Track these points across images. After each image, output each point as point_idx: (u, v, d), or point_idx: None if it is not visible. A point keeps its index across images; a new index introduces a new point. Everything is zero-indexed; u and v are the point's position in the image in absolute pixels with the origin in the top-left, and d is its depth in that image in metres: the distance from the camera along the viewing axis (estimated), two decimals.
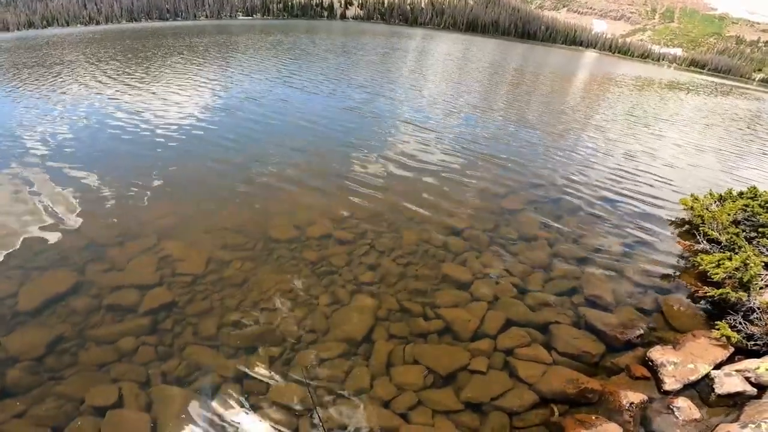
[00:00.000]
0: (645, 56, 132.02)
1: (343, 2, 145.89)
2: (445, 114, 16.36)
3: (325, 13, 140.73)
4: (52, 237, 6.53)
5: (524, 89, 26.27)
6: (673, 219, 8.78)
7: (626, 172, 11.51)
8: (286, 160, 10.15)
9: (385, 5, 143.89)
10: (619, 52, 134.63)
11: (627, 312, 5.74)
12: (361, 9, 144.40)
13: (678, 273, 6.85)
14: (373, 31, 77.77)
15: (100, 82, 18.50)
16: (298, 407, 4.06)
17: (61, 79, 19.06)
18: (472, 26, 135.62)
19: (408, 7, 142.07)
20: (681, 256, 7.33)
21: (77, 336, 4.74)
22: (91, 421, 3.83)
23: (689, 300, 6.13)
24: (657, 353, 4.82)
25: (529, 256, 6.86)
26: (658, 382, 4.54)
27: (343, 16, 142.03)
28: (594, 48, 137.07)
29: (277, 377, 4.37)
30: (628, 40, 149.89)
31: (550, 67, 47.38)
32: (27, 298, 5.21)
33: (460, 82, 25.90)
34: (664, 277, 6.67)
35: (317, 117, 14.13)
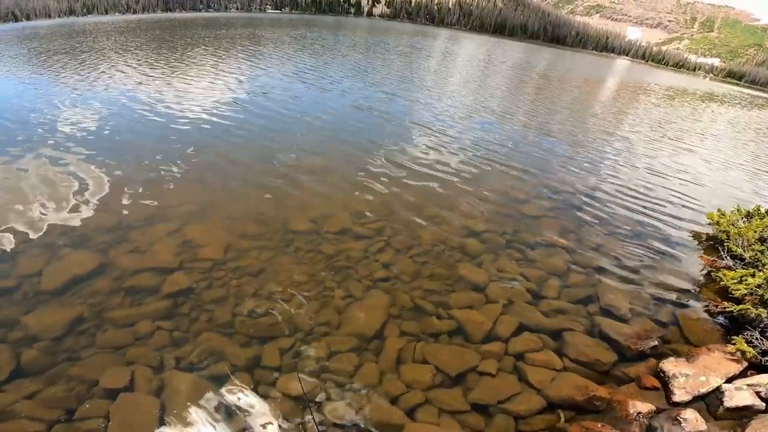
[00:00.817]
0: (680, 65, 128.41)
1: (370, 0, 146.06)
2: (468, 116, 16.26)
3: (352, 10, 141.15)
4: (79, 219, 6.75)
5: (549, 95, 25.87)
6: (697, 233, 8.55)
7: (652, 184, 11.25)
8: (307, 153, 10.26)
9: (412, 4, 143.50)
10: (652, 61, 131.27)
11: (642, 323, 5.64)
12: (388, 7, 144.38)
13: (698, 287, 6.68)
14: (399, 30, 77.71)
15: (129, 70, 19.00)
16: (305, 399, 4.09)
17: (91, 66, 19.64)
18: (500, 28, 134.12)
19: (435, 6, 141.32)
20: (702, 271, 7.15)
21: (96, 317, 4.86)
22: (102, 404, 3.90)
23: (707, 314, 5.99)
24: (670, 365, 4.76)
25: (546, 262, 6.78)
26: (668, 393, 4.50)
27: (370, 14, 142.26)
28: (626, 55, 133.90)
29: (286, 368, 4.41)
30: (663, 48, 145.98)
31: (578, 73, 46.55)
32: (50, 278, 5.37)
33: (484, 85, 25.69)
34: (684, 290, 6.52)
35: (339, 114, 14.23)
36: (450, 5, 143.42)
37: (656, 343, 5.22)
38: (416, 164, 10.32)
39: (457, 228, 7.49)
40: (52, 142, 9.93)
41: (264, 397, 4.10)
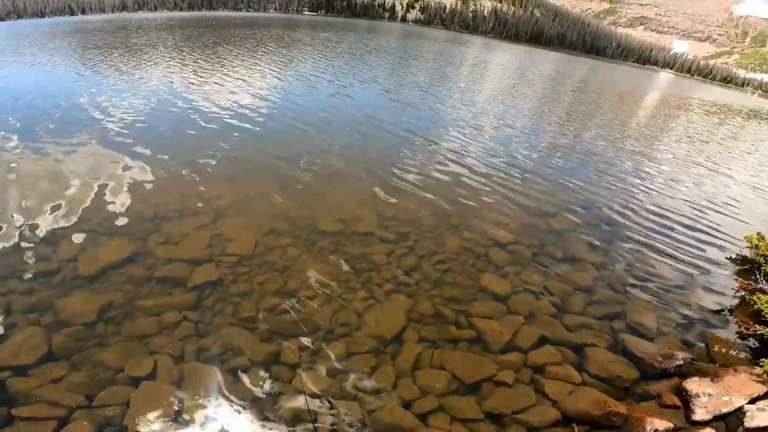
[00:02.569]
0: (727, 80, 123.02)
1: (404, 5, 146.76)
2: (499, 126, 16.09)
3: (386, 15, 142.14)
4: (117, 207, 7.08)
5: (584, 108, 25.27)
6: (734, 256, 8.15)
7: (687, 204, 10.79)
8: (337, 155, 10.41)
9: (447, 10, 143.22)
10: (698, 75, 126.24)
11: (669, 342, 5.46)
12: (422, 13, 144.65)
13: (729, 309, 6.41)
14: (433, 36, 77.68)
15: (171, 66, 19.82)
16: (320, 398, 4.14)
17: (137, 62, 20.56)
18: (536, 38, 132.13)
19: (470, 14, 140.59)
20: (736, 294, 6.83)
21: (126, 305, 5.04)
22: (124, 391, 4.01)
23: (737, 336, 5.76)
24: (693, 384, 4.61)
25: (573, 277, 6.62)
26: (688, 412, 4.37)
27: (404, 19, 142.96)
28: (670, 68, 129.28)
29: (304, 366, 4.47)
30: (710, 62, 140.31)
31: (616, 85, 45.33)
32: (86, 264, 5.61)
33: (517, 95, 25.35)
34: (714, 312, 6.27)
35: (370, 117, 14.35)
36: (485, 13, 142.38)
37: (681, 362, 5.06)
38: (444, 171, 10.28)
39: (483, 238, 7.41)
40: (97, 132, 10.51)
41: (280, 393, 4.16)
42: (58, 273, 5.43)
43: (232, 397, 4.07)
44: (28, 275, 5.35)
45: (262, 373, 4.34)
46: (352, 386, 4.31)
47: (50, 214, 6.70)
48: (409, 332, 5.10)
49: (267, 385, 4.20)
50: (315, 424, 3.91)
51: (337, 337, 4.89)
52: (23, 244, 5.91)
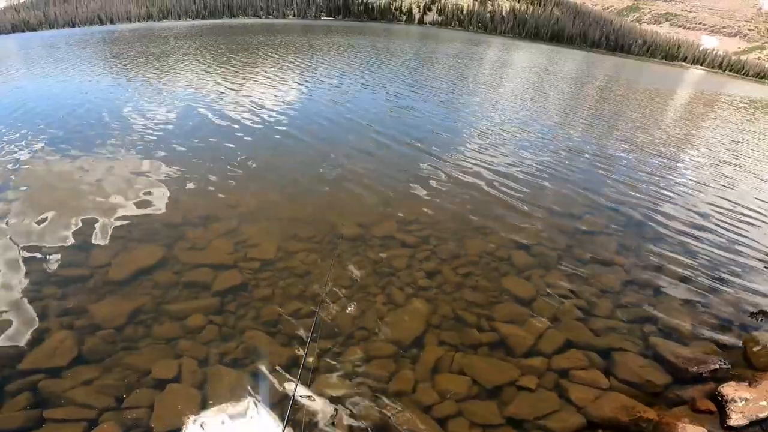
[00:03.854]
0: (762, 76, 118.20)
1: (421, 7, 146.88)
2: (521, 127, 15.87)
3: (404, 18, 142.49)
4: (147, 213, 7.33)
5: (611, 106, 24.69)
6: None
7: (722, 203, 10.37)
8: (357, 159, 10.48)
9: (464, 12, 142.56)
10: (730, 70, 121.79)
11: (704, 346, 5.24)
12: (439, 15, 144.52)
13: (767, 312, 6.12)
14: (451, 38, 77.38)
15: (195, 74, 20.31)
16: (340, 402, 4.15)
17: (163, 70, 21.20)
18: (557, 37, 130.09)
19: (488, 14, 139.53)
20: None
21: (155, 309, 5.18)
22: (150, 393, 4.11)
23: None
24: (729, 389, 4.41)
25: (601, 280, 6.45)
26: (723, 417, 4.18)
27: (421, 21, 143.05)
28: (701, 65, 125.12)
29: (324, 370, 4.50)
30: (742, 57, 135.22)
31: (644, 83, 44.14)
32: (118, 269, 5.81)
33: (540, 94, 24.98)
34: (753, 315, 5.98)
35: (389, 121, 14.39)
36: (503, 13, 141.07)
37: (716, 366, 4.85)
38: (466, 174, 10.21)
39: (505, 240, 7.31)
40: (126, 140, 10.93)
41: (300, 396, 4.18)
42: (90, 278, 5.64)
43: (252, 400, 4.12)
44: (63, 280, 5.57)
45: (282, 376, 4.38)
46: (371, 390, 4.31)
47: (82, 220, 6.97)
48: (429, 336, 5.07)
49: (287, 389, 4.23)
50: (334, 428, 3.92)
51: (357, 341, 4.90)
52: (57, 250, 6.17)
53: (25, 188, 8.15)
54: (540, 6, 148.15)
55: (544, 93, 25.45)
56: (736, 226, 9.03)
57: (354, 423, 3.98)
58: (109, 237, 6.58)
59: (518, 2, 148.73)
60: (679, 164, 13.43)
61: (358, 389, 4.30)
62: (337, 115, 14.53)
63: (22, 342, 4.60)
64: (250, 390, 4.23)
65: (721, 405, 4.30)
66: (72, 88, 18.07)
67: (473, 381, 4.48)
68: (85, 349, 4.56)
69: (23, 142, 10.66)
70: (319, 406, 4.10)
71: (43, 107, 14.37)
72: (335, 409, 4.08)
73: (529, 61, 49.44)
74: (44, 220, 6.96)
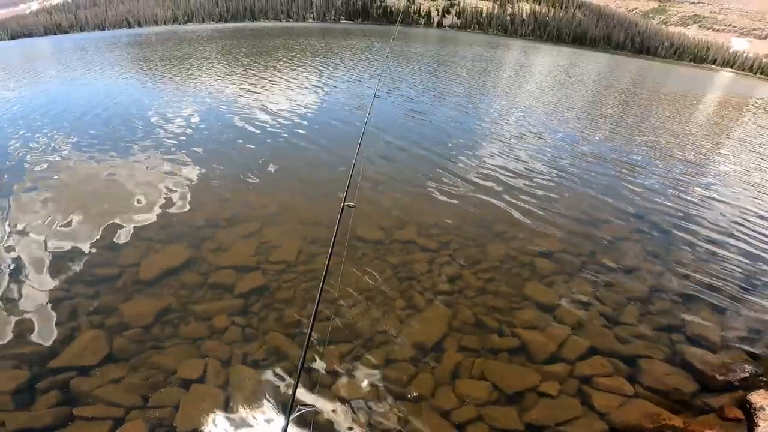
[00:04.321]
0: None
1: (440, 10, 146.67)
2: (541, 131, 15.67)
3: (422, 21, 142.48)
4: (172, 214, 7.54)
5: (637, 110, 24.14)
6: None
7: (754, 210, 10.00)
8: (377, 163, 10.53)
9: (484, 14, 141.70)
10: (762, 73, 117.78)
11: (733, 354, 5.09)
12: (458, 18, 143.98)
13: None
14: (470, 41, 77.04)
15: (218, 77, 20.77)
16: (359, 405, 4.18)
17: (187, 73, 21.80)
18: (580, 39, 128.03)
19: (508, 17, 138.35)
20: None
21: (181, 309, 5.31)
22: (176, 393, 4.20)
23: None
24: (758, 397, 4.28)
25: (627, 287, 6.32)
26: (751, 426, 4.05)
27: (440, 24, 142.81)
28: (731, 67, 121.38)
29: (344, 372, 4.53)
30: None
31: (672, 86, 43.02)
32: (147, 269, 5.99)
33: (563, 98, 24.62)
34: None
35: (410, 124, 14.41)
36: (524, 16, 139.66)
37: (746, 374, 4.70)
38: (486, 179, 10.14)
39: (528, 246, 7.24)
40: (155, 142, 11.33)
41: (320, 398, 4.23)
42: (120, 278, 5.83)
43: (273, 401, 4.18)
44: (93, 280, 5.78)
45: (303, 378, 4.42)
46: (390, 394, 4.31)
47: (110, 220, 7.22)
48: (449, 341, 5.05)
49: (307, 391, 4.27)
50: (352, 430, 3.94)
51: (377, 345, 4.92)
52: (87, 250, 6.40)
53: (53, 189, 8.48)
54: (561, 8, 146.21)
55: (566, 97, 25.08)
56: (765, 234, 8.73)
57: (373, 427, 3.99)
58: (136, 237, 6.79)
59: (539, 5, 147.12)
60: (707, 170, 13.04)
61: (377, 393, 4.31)
62: (357, 119, 14.62)
63: (54, 340, 4.77)
64: (272, 391, 4.29)
65: (749, 413, 4.18)
66: (99, 90, 18.72)
67: (493, 386, 4.45)
68: (114, 348, 4.69)
69: (52, 144, 11.11)
70: (339, 408, 4.13)
71: (71, 109, 14.96)
72: (354, 412, 4.10)
73: (551, 65, 48.82)
74: (73, 220, 7.23)
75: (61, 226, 7.06)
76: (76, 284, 5.67)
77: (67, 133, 12.10)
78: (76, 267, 6.01)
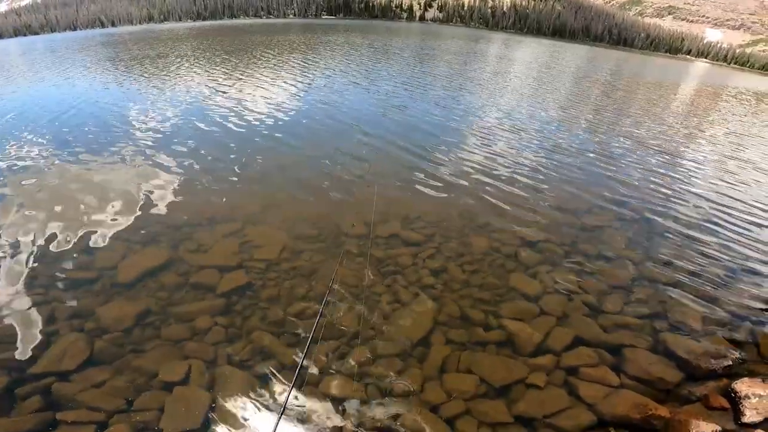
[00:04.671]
0: (767, 68, 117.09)
1: (422, 4, 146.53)
2: (523, 123, 15.78)
3: (404, 15, 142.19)
4: (151, 216, 7.34)
5: (616, 100, 24.53)
6: None
7: (734, 195, 10.29)
8: (359, 159, 10.44)
9: (465, 8, 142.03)
10: (735, 63, 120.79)
11: (716, 342, 5.18)
12: (440, 11, 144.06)
13: None
14: (452, 34, 77.11)
15: (196, 76, 20.35)
16: (347, 401, 4.14)
17: (163, 72, 21.27)
18: (559, 32, 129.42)
19: (489, 10, 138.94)
20: None
21: (162, 311, 5.19)
22: (159, 396, 4.12)
23: None
24: (743, 385, 4.35)
25: (609, 275, 6.40)
26: (737, 414, 4.11)
27: (422, 18, 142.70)
28: (705, 57, 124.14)
29: (331, 370, 4.48)
30: (747, 50, 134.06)
31: (649, 76, 43.81)
32: (125, 271, 5.84)
33: (544, 89, 24.83)
34: (764, 309, 5.90)
35: (391, 120, 14.35)
36: (505, 9, 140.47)
37: (730, 362, 4.80)
38: (470, 171, 10.16)
39: (511, 237, 7.27)
40: (130, 143, 10.98)
41: (308, 396, 4.19)
42: (98, 281, 5.66)
43: (260, 401, 4.12)
44: (70, 283, 5.61)
45: (289, 377, 4.37)
46: (378, 390, 4.29)
47: (86, 223, 7.01)
48: (436, 335, 5.04)
49: (294, 389, 4.22)
50: (342, 428, 3.91)
51: (364, 341, 4.87)
52: (64, 254, 6.20)
53: (27, 193, 8.20)
54: (541, 1, 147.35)
55: (547, 89, 25.30)
56: (744, 220, 8.93)
57: (362, 422, 3.96)
58: (114, 240, 6.60)
59: None
60: (685, 159, 13.30)
61: (365, 388, 4.28)
62: (338, 115, 14.50)
63: (33, 345, 4.63)
64: (258, 390, 4.22)
65: (734, 401, 4.24)
66: (73, 92, 18.12)
67: (481, 379, 4.45)
68: (94, 352, 4.57)
69: (25, 147, 10.72)
70: (327, 405, 4.09)
71: (44, 112, 14.44)
72: (342, 409, 4.07)
73: (531, 57, 49.18)
74: (48, 224, 6.99)
75: (36, 230, 6.82)
76: (53, 289, 5.49)
77: (40, 135, 11.70)
78: (53, 271, 5.82)
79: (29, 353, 4.53)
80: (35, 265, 5.96)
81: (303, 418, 3.97)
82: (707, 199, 9.88)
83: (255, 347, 4.72)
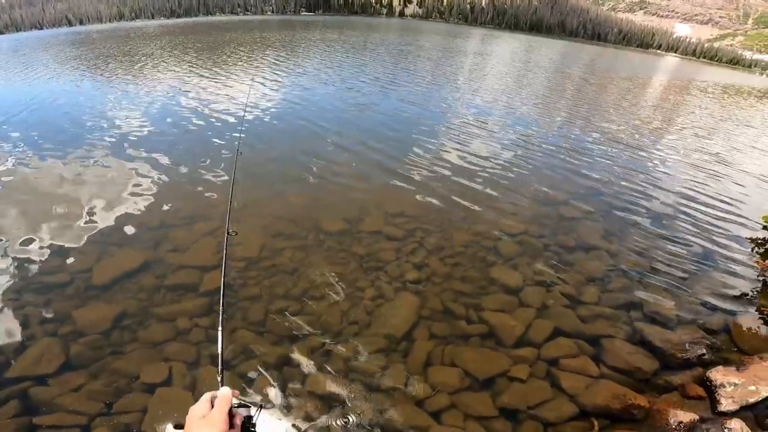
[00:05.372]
0: (734, 62, 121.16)
1: (401, 0, 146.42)
2: (503, 116, 15.98)
3: (384, 11, 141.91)
4: (129, 217, 7.14)
5: (590, 93, 25.04)
6: (753, 238, 8.03)
7: (703, 186, 10.66)
8: (338, 155, 10.41)
9: (444, 4, 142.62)
10: (704, 57, 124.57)
11: (690, 331, 5.33)
12: (419, 7, 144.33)
13: (753, 294, 6.25)
14: (432, 30, 77.29)
15: (171, 73, 19.90)
16: (332, 399, 4.13)
17: (137, 70, 20.66)
18: (536, 27, 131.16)
19: (468, 6, 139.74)
20: (758, 277, 6.69)
21: (140, 313, 5.08)
22: (141, 398, 4.04)
23: (761, 323, 5.59)
24: (717, 374, 4.49)
25: (586, 266, 6.54)
26: (713, 403, 4.25)
27: (402, 14, 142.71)
28: (675, 52, 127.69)
29: (315, 367, 4.46)
30: (715, 45, 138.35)
31: (622, 71, 44.83)
32: (100, 274, 5.67)
33: (521, 84, 25.16)
34: (737, 297, 6.12)
35: (370, 114, 14.34)
36: (483, 4, 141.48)
37: (704, 351, 4.93)
38: (450, 165, 10.23)
39: (491, 230, 7.36)
40: (100, 143, 10.61)
41: (292, 395, 4.16)
42: (72, 284, 5.49)
43: (244, 401, 4.05)
44: (44, 287, 5.42)
45: (273, 375, 4.34)
46: (363, 386, 4.29)
47: (60, 226, 6.77)
48: (419, 329, 5.07)
49: (278, 388, 4.20)
50: (327, 426, 3.90)
51: (347, 337, 4.87)
52: (36, 257, 5.99)
53: (0, 195, 7.87)
54: None
55: (524, 84, 25.64)
56: (716, 210, 9.26)
57: (346, 419, 3.96)
58: (88, 241, 6.40)
59: None
60: (656, 153, 13.68)
61: (349, 386, 4.28)
62: (318, 109, 14.40)
63: (8, 350, 4.48)
64: (241, 390, 4.17)
65: (710, 390, 4.36)
66: (40, 91, 17.47)
67: (465, 373, 4.50)
68: (71, 356, 4.46)
69: None
70: (311, 404, 4.06)
71: (11, 111, 13.88)
72: (327, 407, 4.05)
73: (509, 53, 49.71)
74: (20, 225, 6.74)
75: (5, 232, 6.57)
76: (26, 292, 5.29)
77: (7, 136, 11.25)
78: (25, 275, 5.61)
79: (3, 358, 4.38)
80: (4, 269, 5.74)
81: (287, 417, 3.94)
82: (679, 191, 10.19)
83: (237, 347, 4.65)
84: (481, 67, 31.81)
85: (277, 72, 22.08)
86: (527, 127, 14.73)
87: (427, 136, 12.62)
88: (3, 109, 14.03)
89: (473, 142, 12.25)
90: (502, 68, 32.96)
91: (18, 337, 4.65)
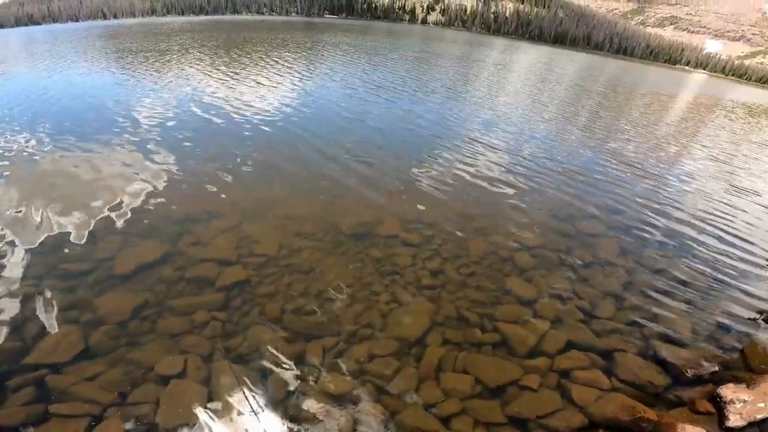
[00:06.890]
0: (764, 81, 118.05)
1: (424, 7, 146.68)
2: (523, 129, 15.90)
3: (407, 17, 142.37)
4: (151, 210, 7.33)
5: (613, 109, 24.72)
6: None
7: (725, 206, 10.43)
8: (360, 159, 10.48)
9: (468, 12, 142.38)
10: (733, 75, 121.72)
11: (703, 349, 5.28)
12: (442, 15, 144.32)
13: (767, 315, 6.15)
14: (454, 38, 77.32)
15: (197, 71, 20.31)
16: (343, 399, 4.18)
17: (164, 66, 21.24)
18: (560, 38, 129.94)
19: (491, 15, 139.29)
20: None
21: (159, 304, 5.20)
22: (155, 389, 4.11)
23: None
24: (728, 390, 4.45)
25: (602, 282, 6.48)
26: (722, 419, 4.23)
27: (424, 21, 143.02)
28: (703, 69, 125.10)
29: (328, 367, 4.52)
30: (745, 62, 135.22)
31: (648, 86, 44.11)
32: (122, 264, 5.83)
33: (541, 96, 24.99)
34: (752, 318, 6.02)
35: (390, 121, 14.40)
36: (507, 14, 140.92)
37: (716, 368, 4.90)
38: (468, 175, 10.22)
39: (508, 242, 7.34)
40: (127, 137, 10.91)
41: (304, 393, 4.21)
42: (94, 272, 5.66)
43: (256, 397, 4.14)
44: (66, 274, 5.58)
45: (286, 373, 4.41)
46: (374, 388, 4.33)
47: (86, 216, 6.98)
48: (432, 335, 5.09)
49: (291, 386, 4.26)
50: (337, 425, 3.94)
51: (361, 339, 4.92)
52: (61, 245, 6.19)
53: (27, 183, 8.15)
54: (544, 8, 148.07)
55: (548, 96, 25.46)
56: (733, 231, 9.05)
57: (357, 421, 4.00)
58: (112, 232, 6.59)
59: (522, 3, 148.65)
60: (679, 170, 13.44)
61: (361, 387, 4.32)
62: (337, 114, 14.53)
63: (27, 337, 4.60)
64: (254, 386, 4.25)
65: (719, 406, 4.35)
66: (73, 83, 18.06)
67: (476, 380, 4.51)
68: (89, 344, 4.56)
69: (25, 137, 10.67)
70: (322, 403, 4.12)
71: (45, 102, 14.38)
72: (338, 407, 4.10)
73: (533, 64, 49.42)
74: (44, 214, 6.96)
75: (31, 220, 6.80)
76: (48, 279, 5.46)
77: (40, 126, 11.64)
78: (48, 261, 5.80)
79: (21, 344, 4.50)
80: (29, 255, 5.92)
81: (299, 415, 4.00)
82: (698, 210, 9.99)
83: (252, 343, 4.74)
84: (507, 78, 31.70)
85: (305, 74, 22.36)
86: (548, 142, 14.61)
87: (448, 145, 12.63)
88: (52, 100, 14.53)
89: (493, 155, 12.21)
90: (526, 80, 32.79)
91: (36, 325, 4.77)
